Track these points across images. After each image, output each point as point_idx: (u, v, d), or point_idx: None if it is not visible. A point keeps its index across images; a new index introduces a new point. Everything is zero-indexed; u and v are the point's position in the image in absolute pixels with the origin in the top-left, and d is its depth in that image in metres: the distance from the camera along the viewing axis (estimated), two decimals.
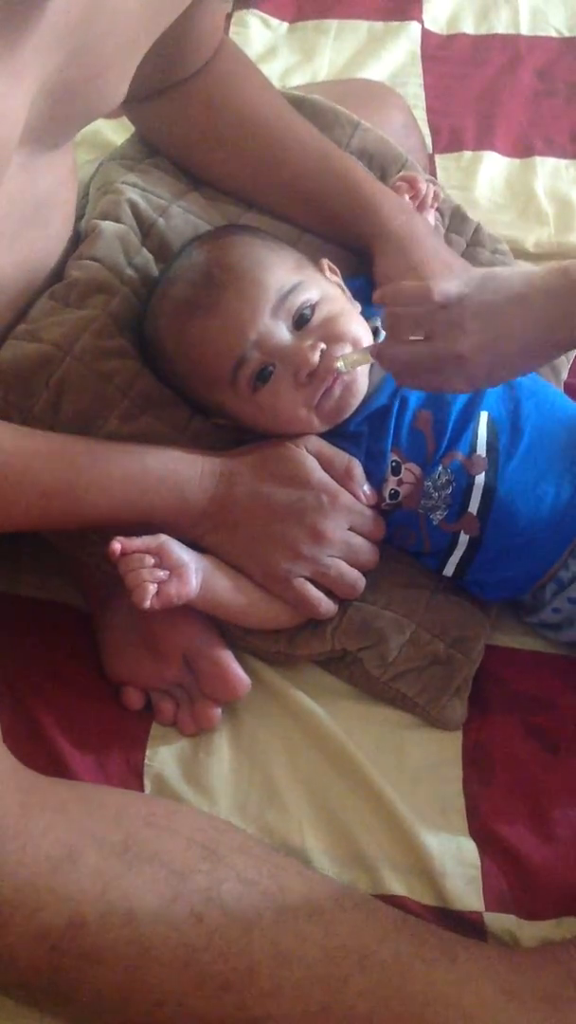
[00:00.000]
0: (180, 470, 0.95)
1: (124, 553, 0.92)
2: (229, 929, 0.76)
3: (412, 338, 0.89)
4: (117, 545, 0.91)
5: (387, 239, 1.08)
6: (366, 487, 0.99)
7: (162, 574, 0.92)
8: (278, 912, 0.78)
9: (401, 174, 1.19)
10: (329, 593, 0.98)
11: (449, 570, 1.02)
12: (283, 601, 0.97)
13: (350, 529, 0.98)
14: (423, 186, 1.16)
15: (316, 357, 0.95)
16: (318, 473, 0.97)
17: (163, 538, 0.94)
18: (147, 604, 0.91)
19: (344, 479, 0.98)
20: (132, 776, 0.94)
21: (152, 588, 0.91)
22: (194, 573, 0.94)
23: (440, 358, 0.88)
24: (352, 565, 0.97)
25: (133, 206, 1.10)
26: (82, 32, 0.84)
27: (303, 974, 0.77)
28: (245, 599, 0.97)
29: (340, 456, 0.98)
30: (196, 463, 0.96)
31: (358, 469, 0.99)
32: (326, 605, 0.97)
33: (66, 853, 0.75)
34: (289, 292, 0.97)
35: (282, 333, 0.97)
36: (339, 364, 0.95)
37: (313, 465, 0.97)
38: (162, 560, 0.93)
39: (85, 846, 0.76)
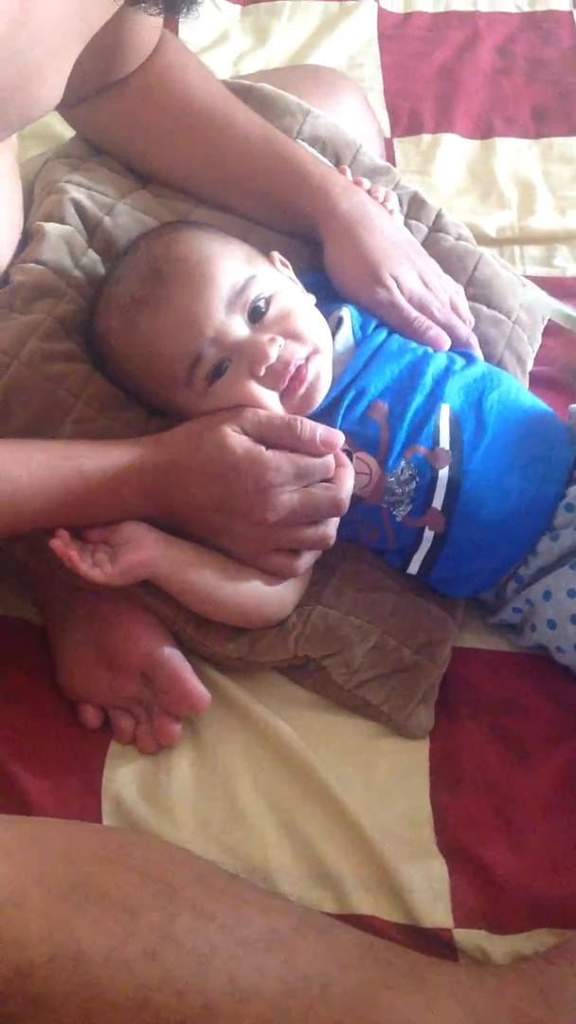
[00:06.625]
0: (119, 473, 0.91)
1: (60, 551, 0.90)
2: (184, 966, 0.74)
3: None
4: (56, 542, 0.89)
5: (336, 222, 1.05)
6: (320, 433, 0.92)
7: (102, 555, 0.91)
8: (236, 946, 0.75)
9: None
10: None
11: (414, 567, 1.00)
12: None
13: (305, 486, 0.92)
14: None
15: (274, 353, 0.92)
16: (241, 451, 0.90)
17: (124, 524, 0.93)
18: (100, 578, 0.89)
19: (291, 442, 0.92)
20: (89, 798, 0.91)
21: (92, 568, 0.90)
22: (155, 543, 0.91)
23: None
24: (315, 521, 0.93)
25: (78, 206, 1.06)
26: (8, 41, 0.83)
27: (263, 1008, 0.74)
28: (213, 573, 0.93)
29: (275, 421, 0.92)
30: (133, 463, 0.92)
31: (299, 423, 0.92)
32: (299, 565, 0.94)
33: (10, 896, 0.73)
34: (243, 287, 0.94)
35: (239, 327, 0.94)
36: None
37: (236, 443, 0.91)
38: (115, 538, 0.91)
39: (30, 888, 0.73)
